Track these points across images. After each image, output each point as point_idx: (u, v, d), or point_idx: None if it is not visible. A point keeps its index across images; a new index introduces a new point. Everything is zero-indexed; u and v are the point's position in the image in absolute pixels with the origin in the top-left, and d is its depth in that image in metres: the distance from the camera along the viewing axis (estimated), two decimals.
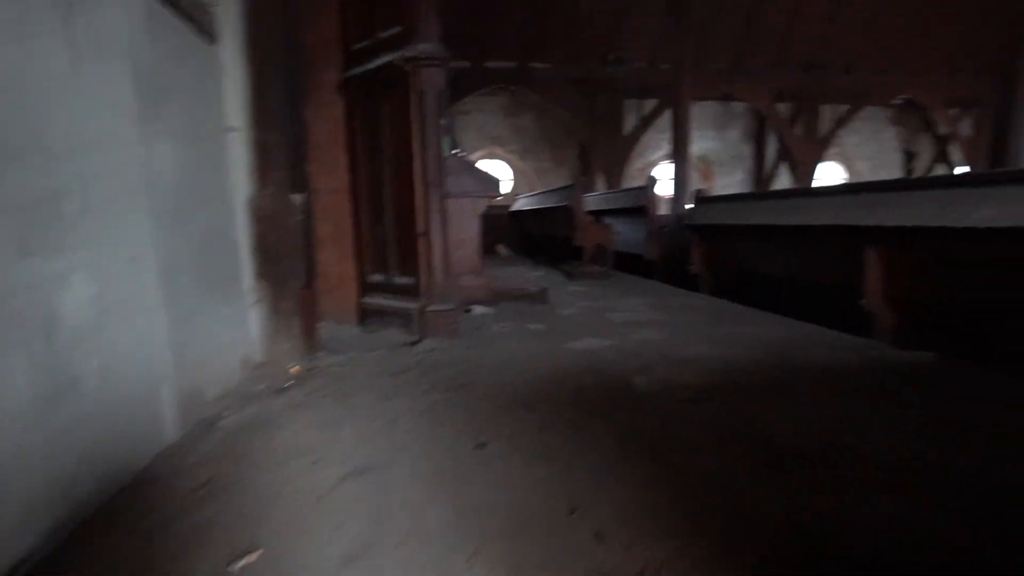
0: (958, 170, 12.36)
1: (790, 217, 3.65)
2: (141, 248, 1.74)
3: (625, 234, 7.28)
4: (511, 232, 10.76)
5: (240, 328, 2.60)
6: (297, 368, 2.68)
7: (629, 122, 11.50)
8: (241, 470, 1.62)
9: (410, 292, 3.35)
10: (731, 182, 13.44)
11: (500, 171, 12.88)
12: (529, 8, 9.59)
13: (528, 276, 6.65)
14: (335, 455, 1.70)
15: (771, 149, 12.68)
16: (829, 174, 13.37)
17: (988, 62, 11.11)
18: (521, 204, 10.06)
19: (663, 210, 7.66)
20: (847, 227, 3.15)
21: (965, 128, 12.06)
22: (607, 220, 8.11)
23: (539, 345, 3.14)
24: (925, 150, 13.10)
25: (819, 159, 11.70)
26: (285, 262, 2.70)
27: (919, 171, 13.15)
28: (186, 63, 2.24)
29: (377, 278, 3.60)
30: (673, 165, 8.71)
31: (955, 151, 12.48)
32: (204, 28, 2.38)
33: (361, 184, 3.62)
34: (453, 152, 4.69)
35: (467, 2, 9.07)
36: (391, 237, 3.45)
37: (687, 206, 7.49)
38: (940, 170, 12.76)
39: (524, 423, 1.95)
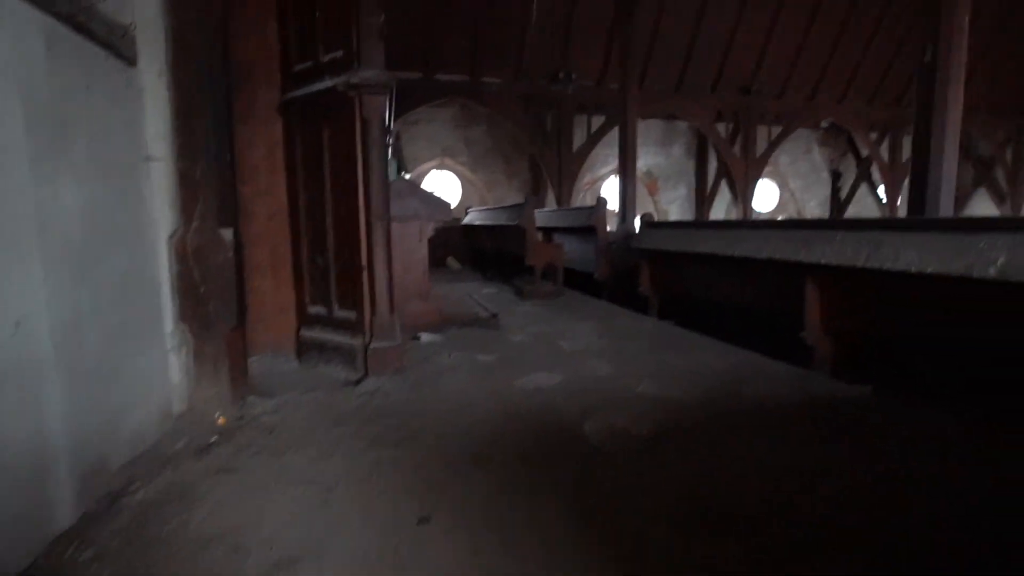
0: (879, 190, 13.19)
1: (734, 248, 3.71)
2: (31, 308, 1.52)
3: (575, 252, 7.30)
4: (462, 245, 10.63)
5: (159, 377, 2.37)
6: (223, 419, 2.47)
7: (578, 137, 11.61)
8: (148, 563, 1.43)
9: (352, 327, 3.17)
10: (675, 196, 13.81)
11: (450, 183, 12.73)
12: (480, 23, 9.54)
13: (479, 294, 6.54)
14: (261, 538, 1.54)
15: (712, 166, 13.12)
16: (765, 191, 13.96)
17: (901, 92, 12.04)
18: (472, 218, 9.95)
19: (611, 224, 7.73)
20: (788, 262, 3.22)
21: (884, 151, 12.90)
22: (557, 237, 8.12)
23: (488, 383, 3.04)
24: (850, 170, 13.90)
25: (757, 176, 12.20)
26: (212, 302, 2.49)
27: (845, 190, 13.94)
28: (98, 90, 2.01)
29: (317, 310, 3.40)
30: (620, 180, 8.83)
31: (876, 172, 13.30)
32: (121, 51, 2.16)
33: (301, 210, 3.42)
34: (400, 175, 4.56)
35: (418, 15, 8.93)
36: (333, 267, 3.27)
37: (635, 226, 7.59)
38: (863, 190, 13.57)
39: (472, 486, 1.84)
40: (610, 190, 13.30)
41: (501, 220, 7.66)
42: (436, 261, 6.11)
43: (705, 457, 2.06)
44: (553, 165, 11.25)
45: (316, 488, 1.85)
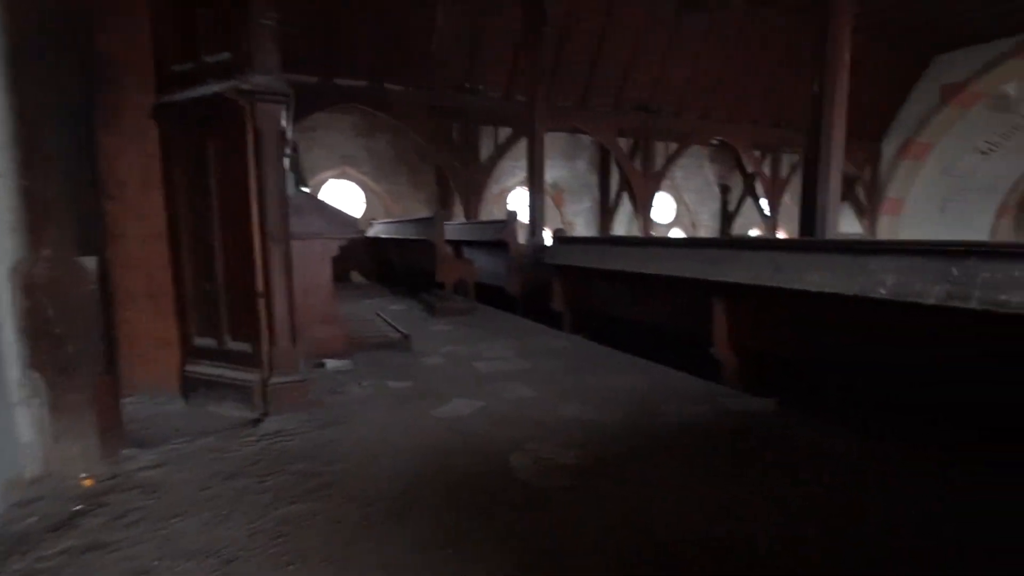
0: (762, 203, 14.42)
1: (645, 266, 3.80)
2: None
3: (486, 266, 7.23)
4: (367, 258, 10.19)
5: (2, 438, 1.95)
6: (90, 480, 2.09)
7: (485, 148, 11.60)
8: None
9: (248, 361, 2.85)
10: (580, 208, 14.21)
11: (352, 193, 12.21)
12: (383, 28, 9.23)
13: (387, 311, 6.26)
14: None
15: (615, 180, 13.66)
16: (662, 203, 14.77)
17: (780, 116, 13.33)
18: (378, 230, 9.59)
19: (520, 236, 7.74)
20: (697, 280, 3.33)
21: (767, 168, 14.17)
22: (467, 250, 8.02)
23: (404, 415, 2.85)
24: (737, 185, 15.10)
25: (656, 190, 12.87)
26: (72, 344, 2.10)
27: (733, 203, 15.12)
28: None
29: (206, 342, 3.02)
30: (529, 193, 8.92)
31: (760, 187, 14.55)
32: None
33: (184, 230, 3.04)
34: (299, 189, 4.23)
35: (316, 15, 8.47)
36: (224, 295, 2.92)
37: (546, 240, 7.67)
38: (749, 202, 14.77)
39: (395, 543, 1.67)
40: (518, 201, 13.43)
41: (409, 234, 7.43)
42: (339, 275, 5.76)
43: (637, 486, 2.03)
44: (461, 177, 11.14)
45: (212, 562, 1.58)
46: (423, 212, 12.43)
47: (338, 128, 11.62)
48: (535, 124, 7.95)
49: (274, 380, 2.76)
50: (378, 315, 5.79)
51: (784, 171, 14.09)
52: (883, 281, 2.31)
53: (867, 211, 14.65)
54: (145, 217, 3.10)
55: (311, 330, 4.05)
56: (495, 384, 3.39)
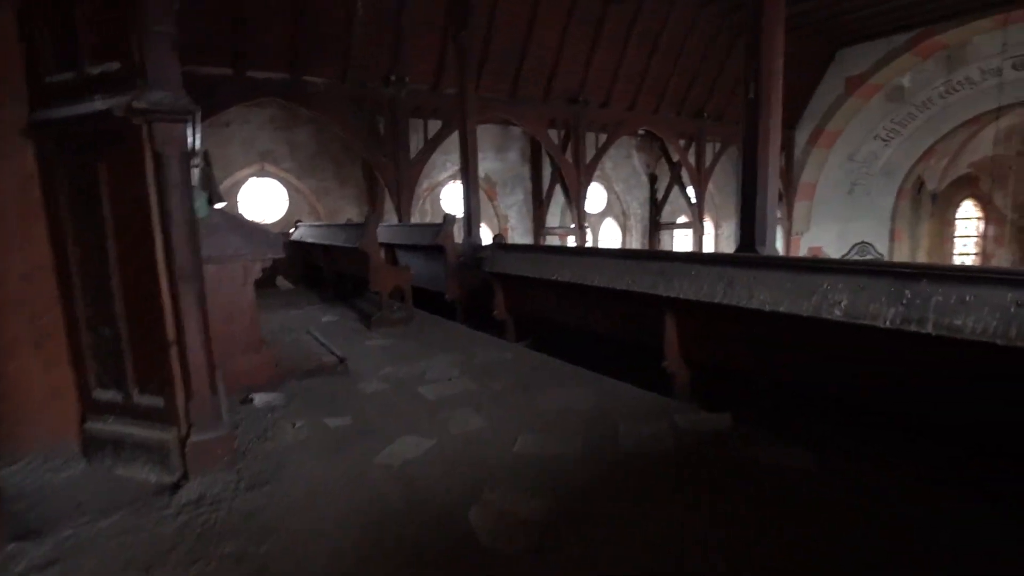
0: (688, 190, 14.87)
1: (593, 278, 3.71)
2: None
3: (422, 270, 6.96)
4: (293, 261, 9.60)
5: None
6: None
7: (414, 142, 11.18)
8: None
9: (161, 417, 2.50)
10: (513, 201, 14.08)
11: (273, 191, 11.45)
12: (300, 15, 8.58)
13: (319, 324, 5.89)
14: None
15: (547, 171, 13.62)
16: (593, 193, 14.91)
17: (702, 106, 13.79)
18: (304, 234, 9.04)
19: (456, 235, 7.51)
20: (647, 294, 3.27)
21: (692, 156, 14.60)
22: (401, 253, 7.71)
23: (345, 463, 2.60)
24: (664, 174, 15.48)
25: (588, 181, 12.94)
26: None
27: (661, 191, 15.50)
28: None
29: (109, 395, 2.64)
30: (463, 190, 8.68)
31: (686, 175, 15.00)
32: None
33: (74, 266, 2.62)
34: (214, 206, 3.81)
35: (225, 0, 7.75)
36: (127, 341, 2.54)
37: (481, 239, 7.49)
38: (676, 191, 15.19)
39: None
40: (449, 195, 13.14)
41: (339, 240, 7.01)
42: (264, 280, 5.29)
43: (608, 541, 1.92)
44: (390, 172, 10.68)
45: None
46: (351, 210, 11.86)
47: (255, 122, 10.81)
48: (466, 120, 7.70)
49: (193, 438, 2.44)
50: (309, 332, 5.41)
51: (708, 159, 14.59)
52: (838, 302, 2.31)
53: (784, 196, 15.46)
54: (24, 250, 2.68)
55: (234, 361, 3.70)
56: (443, 414, 3.20)
